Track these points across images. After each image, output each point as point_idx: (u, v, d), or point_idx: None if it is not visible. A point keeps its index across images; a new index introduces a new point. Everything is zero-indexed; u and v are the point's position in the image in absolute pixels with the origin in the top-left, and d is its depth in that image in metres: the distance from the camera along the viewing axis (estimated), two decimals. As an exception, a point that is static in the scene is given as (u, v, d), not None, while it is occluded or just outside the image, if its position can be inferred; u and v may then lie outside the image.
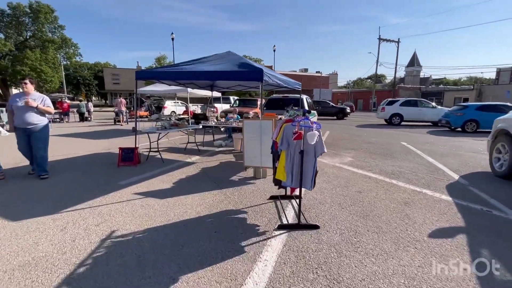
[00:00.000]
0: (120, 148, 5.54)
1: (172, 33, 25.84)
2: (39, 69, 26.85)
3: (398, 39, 36.40)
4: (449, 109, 13.90)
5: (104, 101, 56.07)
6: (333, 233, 2.75)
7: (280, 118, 3.39)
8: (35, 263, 2.21)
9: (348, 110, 21.76)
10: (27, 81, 4.37)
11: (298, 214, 2.83)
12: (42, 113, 4.48)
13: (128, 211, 3.25)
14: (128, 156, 5.52)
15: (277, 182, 3.09)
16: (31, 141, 4.41)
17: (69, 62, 38.14)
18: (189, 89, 10.30)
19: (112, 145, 7.91)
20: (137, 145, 5.69)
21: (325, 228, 2.85)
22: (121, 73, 46.25)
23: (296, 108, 3.14)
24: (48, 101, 4.59)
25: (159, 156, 6.13)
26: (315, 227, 2.84)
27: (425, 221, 3.04)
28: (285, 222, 2.96)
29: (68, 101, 20.09)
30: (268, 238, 2.63)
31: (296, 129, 2.55)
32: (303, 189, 2.92)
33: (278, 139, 2.81)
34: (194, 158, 6.32)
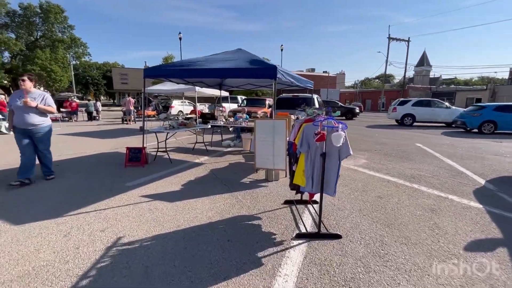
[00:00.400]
0: (127, 148, 5.39)
1: (179, 33, 25.78)
2: (49, 69, 27.20)
3: (408, 38, 35.66)
4: (465, 109, 13.41)
5: (112, 101, 56.65)
6: (357, 243, 2.51)
7: (298, 118, 3.16)
8: (35, 273, 2.03)
9: (357, 110, 21.33)
10: (25, 77, 3.99)
11: (319, 222, 2.59)
12: (43, 112, 4.15)
13: (135, 215, 3.07)
14: (136, 156, 5.36)
15: (295, 187, 2.87)
16: (35, 143, 4.14)
17: (78, 62, 38.63)
18: (197, 88, 10.16)
19: (120, 145, 7.79)
20: (144, 145, 5.54)
21: (348, 237, 2.61)
22: (129, 72, 46.62)
23: (317, 107, 2.90)
24: (50, 100, 4.20)
25: (167, 156, 5.96)
26: (337, 236, 2.60)
27: (458, 231, 2.77)
28: (303, 230, 2.73)
29: (77, 101, 20.21)
30: (287, 249, 2.41)
31: (319, 130, 2.32)
32: (319, 194, 2.68)
33: (297, 140, 2.59)
34: (203, 158, 6.13)
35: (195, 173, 4.92)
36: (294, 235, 2.63)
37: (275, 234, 2.67)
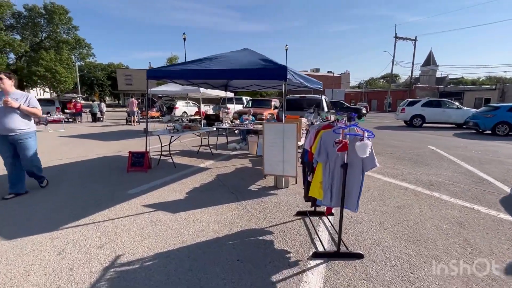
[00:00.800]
0: (130, 152, 5.17)
1: (184, 33, 25.57)
2: (54, 70, 27.26)
3: (415, 37, 35.14)
4: (477, 110, 13.00)
5: (117, 101, 56.85)
6: (382, 265, 2.24)
7: (312, 123, 2.90)
8: (22, 301, 1.81)
9: (364, 110, 20.96)
10: (1, 76, 3.40)
11: (338, 240, 2.33)
12: (27, 116, 3.58)
13: (136, 229, 2.83)
14: (138, 161, 5.14)
15: (310, 199, 2.61)
16: (18, 151, 3.59)
17: (83, 63, 38.76)
18: (202, 89, 9.94)
19: (123, 147, 7.60)
20: (147, 149, 5.32)
21: (371, 257, 2.34)
22: (134, 73, 46.61)
23: (333, 110, 2.64)
24: (34, 101, 3.62)
25: (170, 160, 5.74)
26: (359, 256, 2.33)
27: (493, 250, 2.49)
28: (320, 248, 2.47)
29: (83, 101, 20.16)
30: (304, 271, 2.15)
31: (340, 138, 2.06)
32: (335, 207, 2.41)
33: (313, 148, 2.33)
34: (208, 163, 5.89)
35: (200, 179, 4.68)
36: (310, 254, 2.37)
37: (289, 252, 2.42)
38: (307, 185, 2.70)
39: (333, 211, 3.17)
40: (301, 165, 3.04)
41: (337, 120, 2.40)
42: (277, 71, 4.04)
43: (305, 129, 5.14)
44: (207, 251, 2.42)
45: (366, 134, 1.96)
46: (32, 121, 3.72)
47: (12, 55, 28.10)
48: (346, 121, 2.15)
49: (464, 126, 13.38)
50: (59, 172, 5.00)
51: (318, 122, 2.81)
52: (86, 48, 32.92)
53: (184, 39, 25.83)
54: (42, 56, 26.51)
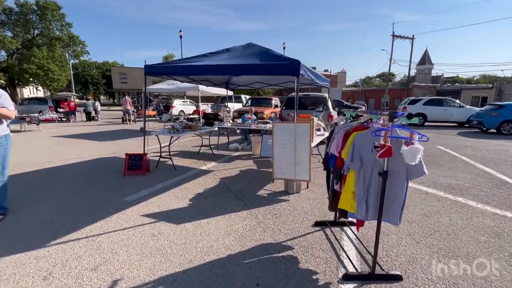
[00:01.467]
0: (126, 154, 4.79)
1: (180, 31, 24.97)
2: (46, 67, 26.47)
3: (413, 35, 34.91)
4: (482, 108, 12.82)
5: (112, 100, 55.95)
6: (426, 289, 1.92)
7: (336, 124, 2.57)
8: None
9: (363, 109, 20.75)
10: None
11: (374, 261, 2.00)
12: None
13: (135, 244, 2.48)
14: (136, 163, 4.76)
15: (336, 210, 2.28)
16: None
17: (77, 61, 37.88)
18: (201, 87, 9.55)
19: (119, 148, 7.19)
20: (145, 150, 4.94)
21: (410, 279, 2.02)
22: (129, 72, 45.84)
23: (359, 108, 2.30)
24: (5, 99, 2.84)
25: (170, 162, 5.37)
26: (397, 278, 2.01)
27: (545, 267, 2.18)
28: (350, 267, 2.14)
29: (77, 100, 19.58)
30: (337, 299, 1.82)
31: (382, 142, 1.73)
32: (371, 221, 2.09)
33: (345, 153, 1.99)
34: (210, 165, 5.54)
35: (203, 183, 4.33)
36: (340, 276, 2.04)
37: (315, 273, 2.08)
38: (332, 194, 2.37)
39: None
40: (326, 171, 2.70)
41: (370, 120, 2.07)
42: (290, 66, 3.69)
43: (316, 129, 4.82)
44: (219, 273, 2.08)
45: (417, 136, 1.63)
46: (4, 124, 2.93)
47: (3, 53, 27.30)
48: (387, 121, 1.82)
49: (467, 125, 13.20)
50: (49, 176, 4.61)
51: (342, 122, 2.47)
52: (80, 45, 32.02)
53: (181, 37, 25.26)
54: (34, 53, 25.67)
